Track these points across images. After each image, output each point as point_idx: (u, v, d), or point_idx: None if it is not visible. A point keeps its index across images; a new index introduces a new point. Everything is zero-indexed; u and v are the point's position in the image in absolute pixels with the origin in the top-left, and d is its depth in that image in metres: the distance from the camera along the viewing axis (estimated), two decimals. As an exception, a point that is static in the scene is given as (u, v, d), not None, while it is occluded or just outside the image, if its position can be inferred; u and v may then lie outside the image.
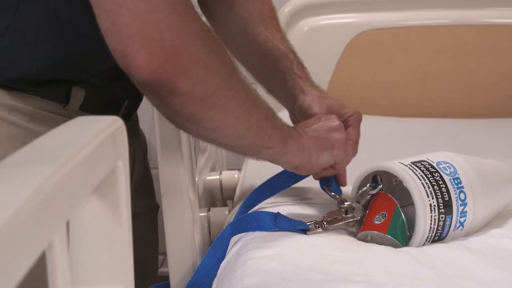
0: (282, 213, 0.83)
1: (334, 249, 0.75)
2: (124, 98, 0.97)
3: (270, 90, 1.00)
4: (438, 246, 0.77)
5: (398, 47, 1.67)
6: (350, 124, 0.94)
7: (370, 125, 1.59)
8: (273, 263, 0.71)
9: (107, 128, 0.40)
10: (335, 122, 0.88)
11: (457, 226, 0.79)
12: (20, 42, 0.84)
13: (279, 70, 0.97)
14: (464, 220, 0.80)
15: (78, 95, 0.89)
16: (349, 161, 0.91)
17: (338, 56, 1.67)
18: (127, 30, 0.63)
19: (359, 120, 0.95)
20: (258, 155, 0.81)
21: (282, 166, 0.87)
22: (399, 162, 0.81)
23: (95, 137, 0.37)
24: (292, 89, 0.96)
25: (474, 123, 1.60)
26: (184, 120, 0.71)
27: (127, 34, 0.63)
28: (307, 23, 1.67)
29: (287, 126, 0.83)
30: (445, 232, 0.79)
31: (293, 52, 0.99)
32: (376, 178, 0.82)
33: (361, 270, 0.70)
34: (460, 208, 0.79)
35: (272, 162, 0.83)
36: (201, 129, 0.73)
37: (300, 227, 0.81)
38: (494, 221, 0.85)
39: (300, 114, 0.96)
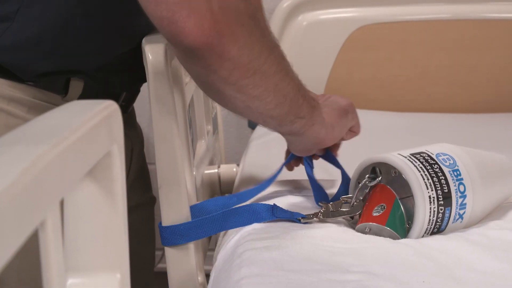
0: (279, 204, 0.83)
1: (333, 241, 0.75)
2: (122, 90, 0.97)
3: None
4: (437, 237, 0.77)
5: (397, 42, 1.66)
6: None
7: (369, 120, 1.58)
8: (271, 253, 0.71)
9: (102, 111, 0.39)
10: (334, 95, 0.91)
11: (456, 218, 0.79)
12: (29, 25, 0.83)
13: None
14: (464, 212, 0.79)
15: (77, 86, 0.89)
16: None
17: (337, 50, 1.66)
18: None
19: None
20: (292, 126, 0.81)
21: (306, 143, 0.87)
22: (398, 154, 0.80)
23: (89, 119, 0.37)
24: None
25: (474, 118, 1.60)
26: (230, 88, 0.72)
27: (174, 0, 0.64)
28: (306, 18, 1.67)
29: (312, 97, 0.84)
30: (444, 224, 0.78)
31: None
32: (375, 170, 0.81)
33: (359, 261, 0.69)
34: (460, 200, 0.78)
35: (299, 135, 0.84)
36: (245, 96, 0.73)
37: (297, 217, 0.81)
38: (494, 213, 0.85)
39: None
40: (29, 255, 0.73)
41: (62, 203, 0.42)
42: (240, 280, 0.66)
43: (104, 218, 0.42)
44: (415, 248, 0.73)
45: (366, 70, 1.68)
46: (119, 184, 0.42)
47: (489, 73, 1.67)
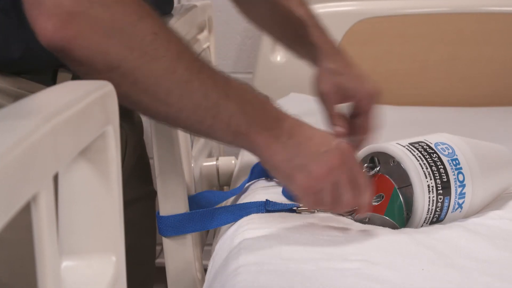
0: (275, 195, 0.82)
1: (332, 230, 0.75)
2: None
3: (295, 55, 1.02)
4: (436, 227, 0.77)
5: (396, 36, 1.66)
6: (358, 112, 0.92)
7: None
8: (270, 242, 0.70)
9: (96, 91, 0.39)
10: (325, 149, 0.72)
11: (455, 208, 0.78)
12: (8, 24, 0.82)
13: (297, 40, 0.99)
14: (463, 202, 0.79)
15: (65, 77, 0.88)
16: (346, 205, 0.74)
17: (336, 44, 1.65)
18: None
19: (370, 105, 0.92)
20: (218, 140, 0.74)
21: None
22: (397, 143, 0.80)
23: (82, 97, 0.36)
24: (309, 59, 0.97)
25: (473, 111, 1.59)
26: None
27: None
28: (305, 12, 1.66)
29: (248, 118, 0.69)
30: (443, 213, 0.78)
31: (311, 17, 0.98)
32: (373, 159, 0.81)
33: (358, 250, 0.69)
34: (459, 190, 0.78)
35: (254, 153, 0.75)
36: (127, 103, 0.66)
37: (293, 206, 0.80)
38: (493, 203, 0.84)
39: (313, 87, 0.95)
40: (20, 248, 0.72)
41: (57, 192, 0.41)
42: (238, 268, 0.65)
43: (99, 200, 0.42)
44: (414, 237, 0.72)
45: (365, 64, 1.66)
46: (114, 166, 0.42)
47: (488, 66, 1.66)
